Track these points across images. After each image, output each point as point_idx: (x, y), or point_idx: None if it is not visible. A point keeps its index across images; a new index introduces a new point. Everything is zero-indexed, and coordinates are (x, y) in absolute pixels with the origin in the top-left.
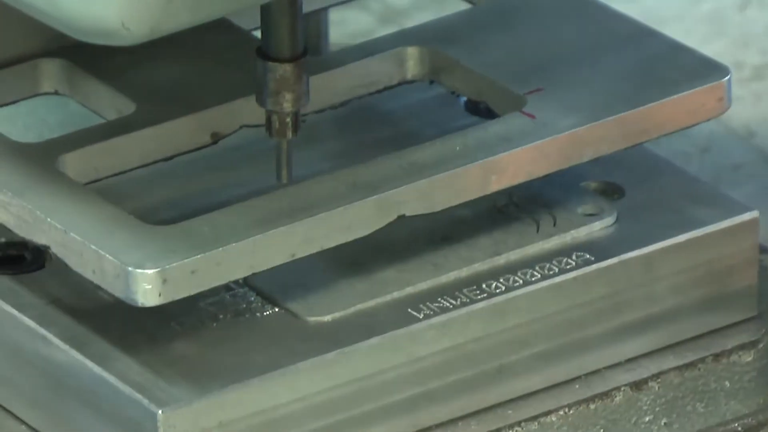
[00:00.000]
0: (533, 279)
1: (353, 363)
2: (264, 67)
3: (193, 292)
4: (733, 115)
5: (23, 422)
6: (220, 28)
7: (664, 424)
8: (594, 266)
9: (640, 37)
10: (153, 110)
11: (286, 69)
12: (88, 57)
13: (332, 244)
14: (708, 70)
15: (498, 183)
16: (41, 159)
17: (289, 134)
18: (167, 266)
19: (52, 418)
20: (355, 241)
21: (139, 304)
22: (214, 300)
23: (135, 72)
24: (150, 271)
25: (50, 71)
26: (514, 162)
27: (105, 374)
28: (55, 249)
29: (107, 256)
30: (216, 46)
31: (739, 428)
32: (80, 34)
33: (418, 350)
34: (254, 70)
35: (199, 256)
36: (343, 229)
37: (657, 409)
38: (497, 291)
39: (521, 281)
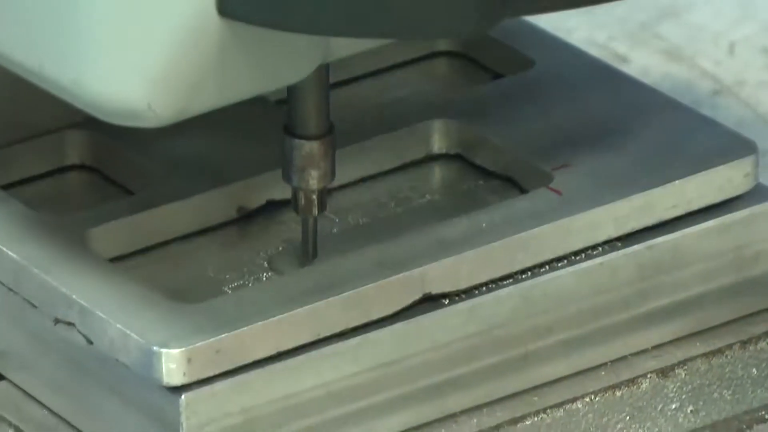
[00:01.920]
0: (560, 265)
1: (378, 348)
2: (291, 144)
3: (218, 371)
4: (762, 99)
5: (45, 406)
6: (248, 99)
7: (691, 411)
8: (620, 252)
9: (668, 110)
10: (179, 184)
11: (312, 146)
12: (114, 128)
13: (358, 324)
14: (735, 145)
15: (524, 260)
16: (68, 234)
17: (315, 211)
18: (192, 346)
19: (74, 402)
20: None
21: (164, 384)
22: (238, 284)
23: (161, 144)
24: (175, 351)
25: (76, 143)
26: (541, 239)
27: (127, 359)
28: (80, 326)
29: (132, 334)
30: (243, 118)
31: (766, 416)
32: (106, 115)
33: (443, 336)
34: (282, 147)
35: (224, 335)
36: (369, 308)
37: (683, 396)
38: (523, 277)
39: (547, 267)
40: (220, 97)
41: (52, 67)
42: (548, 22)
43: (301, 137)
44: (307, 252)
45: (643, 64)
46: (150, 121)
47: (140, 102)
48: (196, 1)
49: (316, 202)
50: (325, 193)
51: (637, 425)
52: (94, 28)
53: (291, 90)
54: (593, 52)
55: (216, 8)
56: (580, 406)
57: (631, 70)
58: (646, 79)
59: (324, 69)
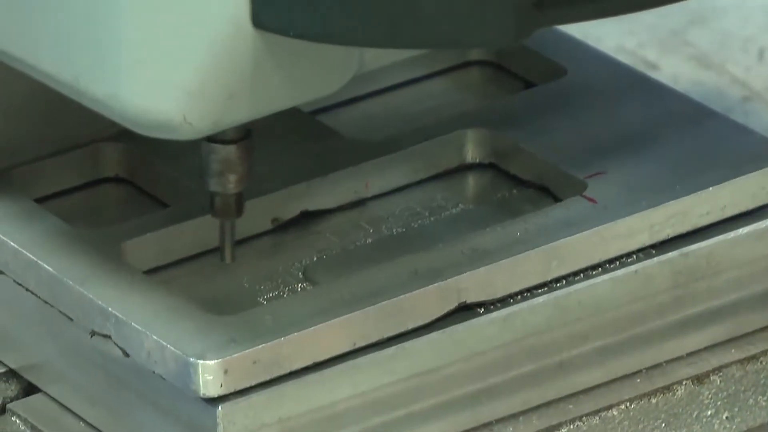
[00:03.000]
0: (594, 273)
1: (414, 358)
2: (208, 149)
3: (254, 382)
4: None
5: (81, 419)
6: (283, 111)
7: (726, 417)
8: (655, 259)
9: (700, 117)
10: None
11: (230, 151)
12: (148, 141)
13: (394, 333)
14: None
15: (559, 269)
16: (103, 247)
17: (233, 215)
18: (229, 357)
19: (111, 415)
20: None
21: (201, 395)
22: (273, 295)
23: (195, 156)
24: (211, 362)
25: (111, 155)
26: (576, 247)
27: (164, 371)
28: (116, 338)
29: (168, 346)
30: (276, 128)
31: None
32: (142, 128)
33: (478, 345)
34: (200, 152)
35: (260, 346)
36: (404, 318)
37: (719, 402)
38: (558, 285)
39: (582, 275)
40: (255, 109)
41: (88, 81)
42: (578, 29)
43: (218, 141)
44: (225, 255)
45: (673, 71)
46: (185, 134)
47: (176, 114)
48: (231, 13)
49: (233, 206)
50: (242, 197)
51: None
52: (129, 41)
53: None
54: (623, 59)
55: (251, 20)
56: (615, 413)
57: (661, 77)
58: (677, 86)
59: None
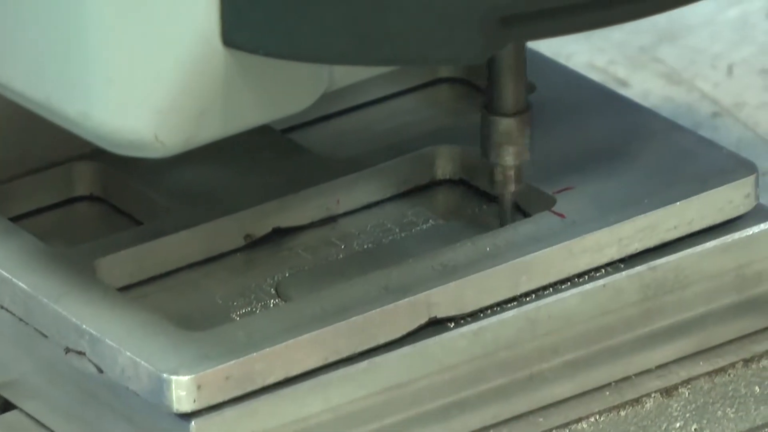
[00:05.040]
0: (563, 287)
1: (385, 372)
2: (488, 121)
3: (227, 397)
4: (761, 120)
5: None
6: (254, 128)
7: (695, 429)
8: (624, 273)
9: (668, 133)
10: (186, 213)
11: (510, 123)
12: (122, 159)
13: (365, 348)
14: (735, 166)
15: (528, 283)
16: (77, 264)
17: (512, 186)
18: (202, 372)
19: (86, 430)
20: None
21: (174, 410)
22: (246, 311)
23: (168, 174)
24: (185, 378)
25: (85, 174)
26: (545, 262)
27: (138, 387)
28: (90, 355)
29: (142, 362)
30: (249, 147)
31: None
32: (114, 146)
33: (449, 359)
34: (480, 124)
35: (233, 362)
36: (375, 333)
37: (687, 415)
38: (527, 300)
39: (551, 289)
40: (226, 127)
41: (60, 100)
42: (548, 47)
43: (498, 114)
44: (505, 222)
45: (643, 87)
46: (157, 152)
47: (147, 133)
48: (201, 32)
49: (513, 177)
50: (521, 169)
51: None
52: (100, 60)
53: (490, 67)
54: (593, 76)
55: (221, 39)
56: (585, 426)
57: (631, 93)
58: (647, 103)
59: (522, 48)
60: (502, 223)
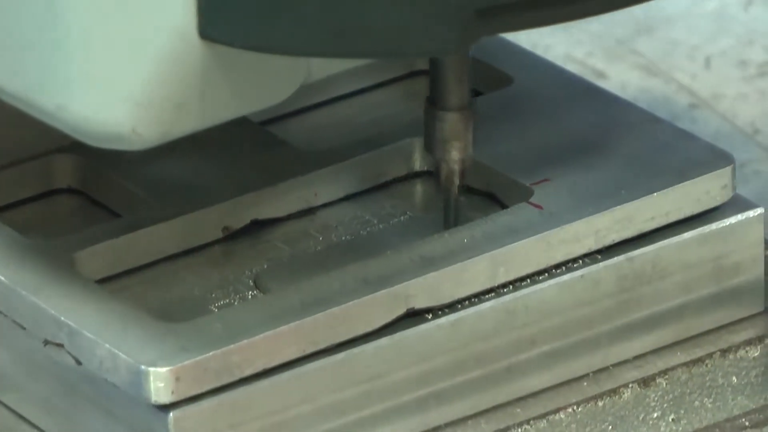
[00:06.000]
0: (541, 278)
1: (363, 363)
2: (433, 117)
3: (205, 389)
4: (739, 112)
5: (36, 427)
6: (232, 121)
7: (672, 420)
8: (601, 264)
9: (645, 124)
10: (165, 205)
11: (454, 118)
12: (100, 152)
13: (343, 339)
14: (712, 157)
15: (506, 274)
16: (56, 257)
17: (457, 181)
18: (180, 364)
19: (65, 422)
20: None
21: (152, 402)
22: (224, 303)
23: (147, 166)
24: (163, 370)
25: (64, 167)
26: (522, 253)
27: (116, 379)
28: (69, 347)
29: (120, 354)
30: (227, 139)
31: (747, 423)
32: (92, 139)
33: (426, 350)
34: (424, 119)
35: (211, 353)
36: (353, 324)
37: (665, 405)
38: (505, 291)
39: (529, 280)
40: (204, 119)
41: (37, 93)
42: (527, 39)
43: (442, 109)
44: (449, 222)
45: (621, 79)
46: (134, 144)
47: (124, 125)
48: (178, 25)
49: (458, 172)
50: (465, 165)
51: None
52: (77, 53)
53: (433, 63)
54: (571, 68)
55: (198, 32)
56: (563, 416)
57: (609, 85)
58: (624, 94)
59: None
60: (446, 219)
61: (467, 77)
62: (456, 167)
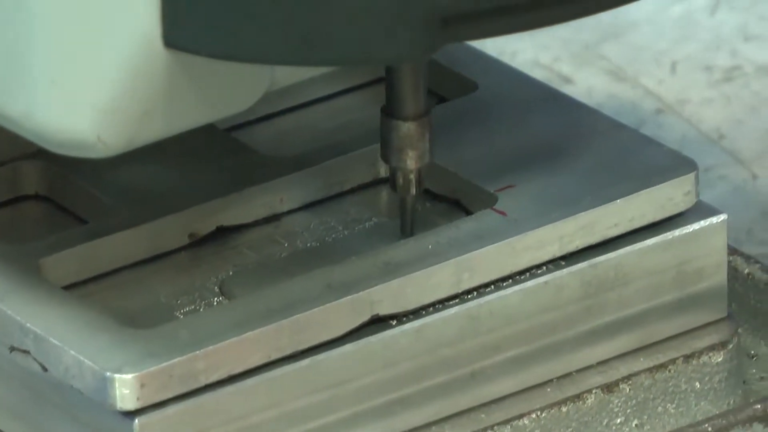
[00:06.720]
0: (505, 284)
1: (327, 370)
2: (389, 125)
3: (170, 395)
4: (704, 117)
5: None
6: (198, 127)
7: (636, 425)
8: (565, 270)
9: (609, 130)
10: (131, 212)
11: (410, 127)
12: (67, 159)
13: (308, 345)
14: (676, 164)
15: (470, 280)
16: (22, 263)
17: (413, 190)
18: (145, 371)
19: (31, 428)
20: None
21: (118, 408)
22: (190, 309)
23: (113, 173)
24: (128, 376)
25: (30, 174)
26: (487, 259)
27: (82, 385)
28: (35, 353)
29: (86, 361)
30: (193, 146)
31: (710, 428)
32: (57, 147)
33: (391, 356)
34: (380, 128)
35: (176, 360)
36: (318, 331)
37: (628, 410)
38: (469, 297)
39: (493, 286)
40: (169, 127)
41: (3, 101)
42: (494, 45)
43: (398, 118)
44: (406, 230)
45: (588, 84)
46: (99, 152)
47: (89, 133)
48: (143, 33)
49: (414, 181)
50: (422, 173)
51: None
52: (42, 61)
53: (389, 72)
54: (538, 73)
55: (162, 40)
56: (527, 422)
57: (576, 90)
58: (591, 99)
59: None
60: (403, 228)
61: (423, 86)
62: (412, 177)
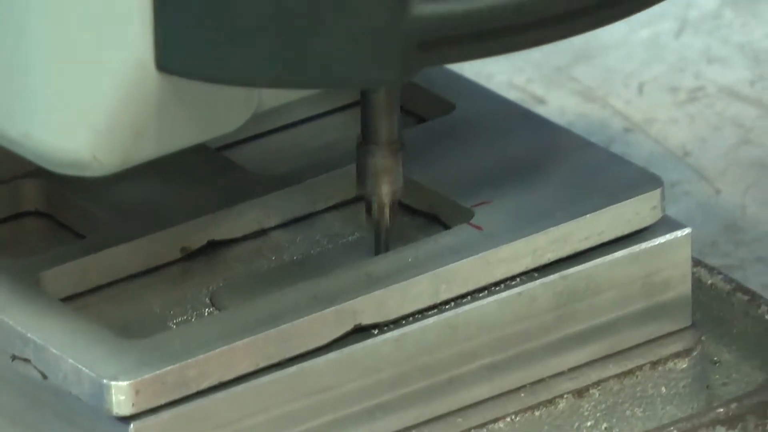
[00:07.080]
0: (481, 295)
1: (313, 377)
2: (363, 152)
3: (164, 401)
4: (670, 136)
5: None
6: (190, 147)
7: (605, 428)
8: (538, 282)
9: (580, 149)
10: (126, 227)
11: (384, 154)
12: (65, 177)
13: (294, 354)
14: (643, 180)
15: (448, 291)
16: (22, 277)
17: (387, 215)
18: (140, 378)
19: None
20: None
21: (114, 414)
22: (182, 319)
23: (109, 190)
24: (123, 383)
25: (30, 191)
26: (463, 271)
27: (80, 392)
28: (35, 362)
29: (83, 369)
30: (185, 164)
31: (675, 431)
32: (54, 165)
33: (373, 364)
34: (356, 154)
35: (169, 368)
36: (304, 339)
37: (598, 414)
38: (447, 307)
39: (469, 297)
40: (162, 147)
41: (3, 121)
42: (470, 67)
43: (372, 144)
44: (380, 251)
45: (560, 104)
46: (95, 171)
47: (86, 153)
48: (137, 57)
49: (388, 206)
50: (396, 202)
51: None
52: (40, 84)
53: (364, 99)
54: (513, 94)
55: (155, 64)
56: (501, 426)
57: (548, 110)
58: (563, 119)
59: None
60: (377, 250)
61: (396, 111)
62: (386, 200)
